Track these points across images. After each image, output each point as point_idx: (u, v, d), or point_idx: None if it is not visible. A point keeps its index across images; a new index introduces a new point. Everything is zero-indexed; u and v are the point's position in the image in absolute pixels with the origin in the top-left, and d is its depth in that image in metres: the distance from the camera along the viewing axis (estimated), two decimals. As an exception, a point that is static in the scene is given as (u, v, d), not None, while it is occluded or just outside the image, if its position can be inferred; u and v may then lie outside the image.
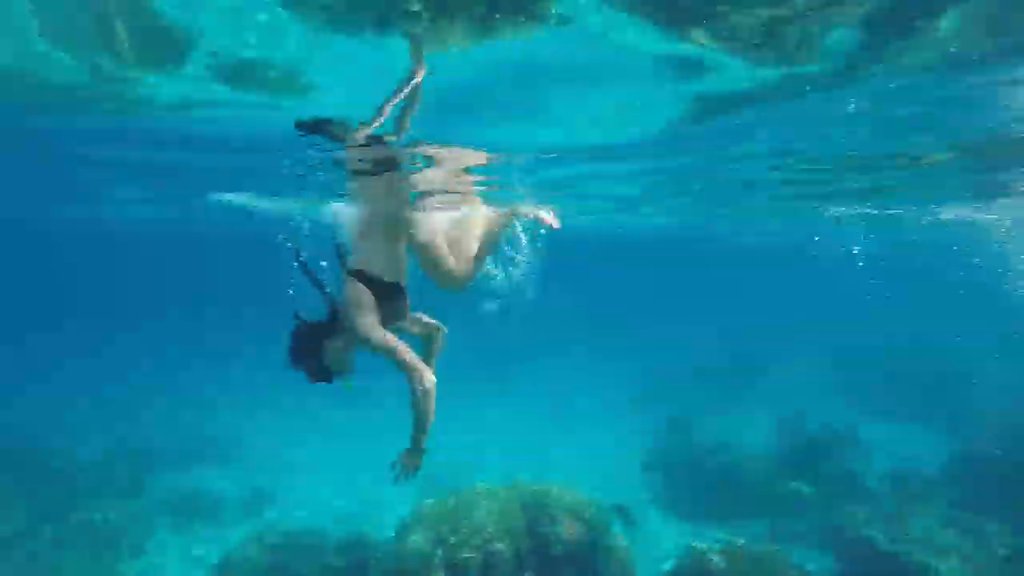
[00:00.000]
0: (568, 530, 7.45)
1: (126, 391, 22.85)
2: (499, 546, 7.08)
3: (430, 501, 7.72)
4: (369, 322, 3.42)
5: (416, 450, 3.52)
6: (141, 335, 35.94)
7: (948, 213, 12.33)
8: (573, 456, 15.82)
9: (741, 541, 7.05)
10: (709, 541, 7.41)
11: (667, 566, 8.83)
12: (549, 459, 15.62)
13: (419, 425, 3.43)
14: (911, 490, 10.53)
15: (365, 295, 3.54)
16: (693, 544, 7.04)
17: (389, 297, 3.70)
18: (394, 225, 4.00)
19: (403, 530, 7.35)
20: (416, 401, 3.35)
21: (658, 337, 33.10)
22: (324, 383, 3.49)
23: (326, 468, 14.07)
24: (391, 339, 3.40)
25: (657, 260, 39.84)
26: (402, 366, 3.34)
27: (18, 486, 11.25)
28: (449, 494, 7.92)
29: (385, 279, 3.71)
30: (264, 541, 8.40)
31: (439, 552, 6.98)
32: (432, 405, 3.35)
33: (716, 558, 6.56)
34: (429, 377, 3.33)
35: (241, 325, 38.26)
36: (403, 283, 3.89)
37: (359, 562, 7.87)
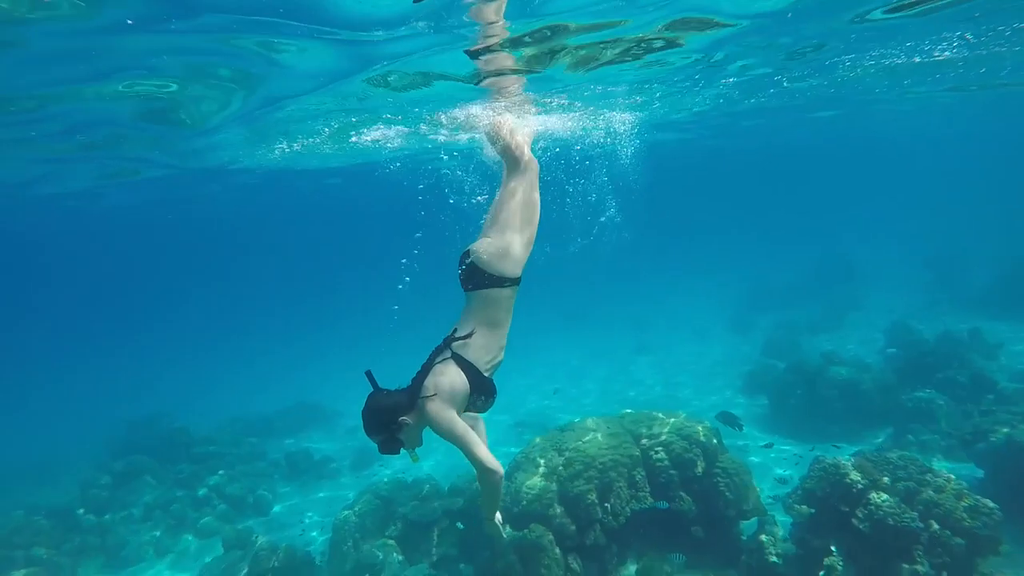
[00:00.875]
0: (681, 455, 7.21)
1: (235, 366, 24.45)
2: (613, 475, 6.94)
3: (538, 439, 7.65)
4: (453, 415, 3.25)
5: (491, 518, 3.60)
6: (241, 311, 38.31)
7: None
8: (673, 382, 15.55)
9: (873, 452, 6.56)
10: (834, 454, 6.97)
11: (791, 482, 8.51)
12: (650, 386, 15.44)
13: (492, 503, 3.51)
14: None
15: (462, 386, 3.32)
16: (820, 457, 6.61)
17: (482, 394, 3.45)
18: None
19: (514, 469, 7.32)
20: (489, 490, 3.38)
21: (755, 252, 31.75)
22: (392, 454, 3.35)
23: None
24: (469, 434, 3.20)
25: (749, 169, 37.56)
26: (475, 461, 3.22)
27: (162, 457, 12.37)
28: (556, 430, 7.83)
29: (485, 375, 3.46)
30: (378, 492, 8.64)
31: (553, 487, 6.92)
32: (501, 488, 3.36)
33: (850, 470, 6.13)
34: (498, 468, 3.26)
35: (331, 295, 40.03)
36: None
37: (475, 505, 7.95)
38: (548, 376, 17.36)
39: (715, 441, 7.53)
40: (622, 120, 10.09)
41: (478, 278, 3.44)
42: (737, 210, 46.88)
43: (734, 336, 19.55)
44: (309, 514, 10.79)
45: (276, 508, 11.23)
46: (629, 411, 8.12)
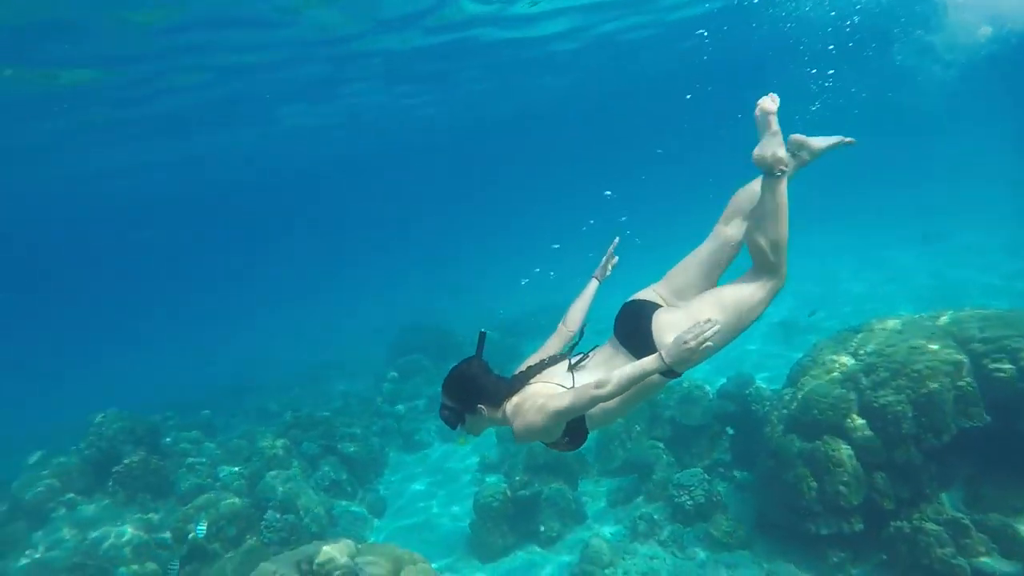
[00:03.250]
0: (1031, 364, 5.68)
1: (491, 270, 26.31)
2: (933, 385, 5.73)
3: (827, 340, 6.66)
4: (539, 431, 2.55)
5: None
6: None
7: None
8: (984, 278, 12.80)
9: None
10: None
11: None
12: (950, 281, 12.91)
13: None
14: None
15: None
16: None
17: (572, 439, 2.70)
18: None
19: (799, 372, 6.50)
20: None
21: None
22: (448, 426, 2.80)
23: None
24: (560, 415, 2.46)
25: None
26: (591, 398, 2.37)
27: (435, 356, 13.94)
28: (848, 330, 6.73)
29: (587, 426, 2.68)
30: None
31: (851, 395, 5.98)
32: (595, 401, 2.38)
33: None
34: (597, 388, 2.33)
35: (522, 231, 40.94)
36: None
37: (751, 410, 7.36)
38: (817, 266, 15.53)
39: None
40: None
41: (643, 347, 2.63)
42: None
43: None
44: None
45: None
46: (945, 310, 6.62)
